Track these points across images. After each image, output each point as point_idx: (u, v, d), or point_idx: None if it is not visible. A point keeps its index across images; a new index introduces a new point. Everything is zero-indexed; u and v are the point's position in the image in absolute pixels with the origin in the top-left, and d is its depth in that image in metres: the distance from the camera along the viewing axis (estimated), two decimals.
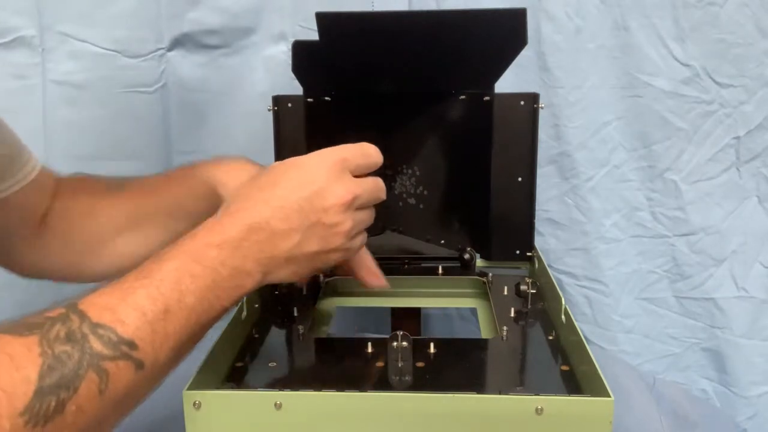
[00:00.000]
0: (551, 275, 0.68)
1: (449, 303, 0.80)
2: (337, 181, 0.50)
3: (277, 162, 0.52)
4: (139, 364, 0.40)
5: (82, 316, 0.39)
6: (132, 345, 0.40)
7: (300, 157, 0.51)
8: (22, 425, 0.34)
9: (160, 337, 0.41)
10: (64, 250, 0.66)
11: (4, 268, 0.66)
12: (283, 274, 0.50)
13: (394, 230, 0.86)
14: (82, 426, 0.37)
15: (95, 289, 0.42)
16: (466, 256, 0.79)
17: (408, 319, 0.81)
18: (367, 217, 0.53)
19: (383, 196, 0.54)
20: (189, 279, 0.44)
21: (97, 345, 0.38)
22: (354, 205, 0.50)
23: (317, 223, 0.49)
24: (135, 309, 0.41)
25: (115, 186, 0.68)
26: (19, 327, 0.38)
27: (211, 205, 0.64)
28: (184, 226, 0.65)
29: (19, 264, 0.66)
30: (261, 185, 0.50)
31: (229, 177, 0.63)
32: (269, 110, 0.78)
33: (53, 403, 0.35)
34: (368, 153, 0.53)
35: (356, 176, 0.51)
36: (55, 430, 0.36)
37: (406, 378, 0.52)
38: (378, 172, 0.85)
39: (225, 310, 0.47)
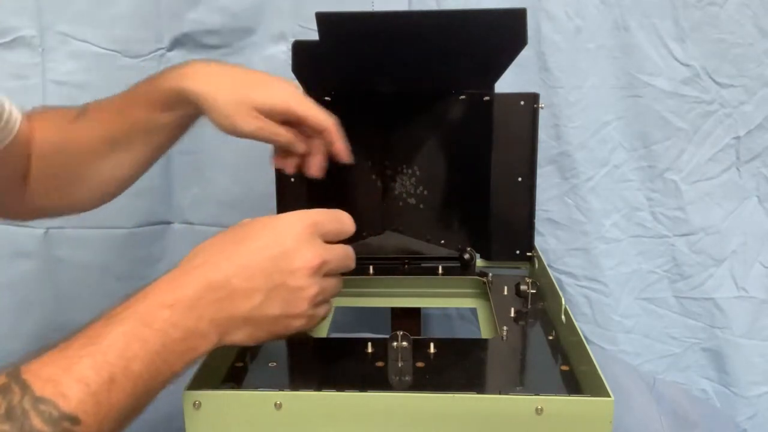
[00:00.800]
0: (551, 275, 0.68)
1: (449, 303, 0.80)
2: (306, 244, 0.48)
3: (248, 219, 0.51)
4: None
5: (24, 387, 0.38)
6: (74, 420, 0.38)
7: (272, 216, 0.50)
8: None
9: (105, 409, 0.40)
10: (47, 188, 0.65)
11: (5, 218, 0.67)
12: (240, 336, 0.47)
13: (394, 230, 0.86)
14: None
15: (41, 355, 0.40)
16: (466, 256, 0.79)
17: (408, 319, 0.81)
18: (334, 285, 0.51)
19: (352, 264, 0.52)
20: (137, 344, 0.42)
21: (37, 422, 0.37)
22: (321, 271, 0.49)
23: (281, 285, 0.47)
24: (78, 381, 0.39)
25: (80, 114, 0.66)
26: None
27: (186, 112, 0.63)
28: (164, 137, 0.66)
29: (15, 211, 0.66)
30: (226, 241, 0.48)
31: (202, 84, 0.60)
32: None
33: None
34: (341, 220, 0.52)
35: (327, 242, 0.50)
36: None
37: (406, 378, 0.52)
38: (378, 172, 0.85)
39: (176, 376, 0.44)
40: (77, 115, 0.65)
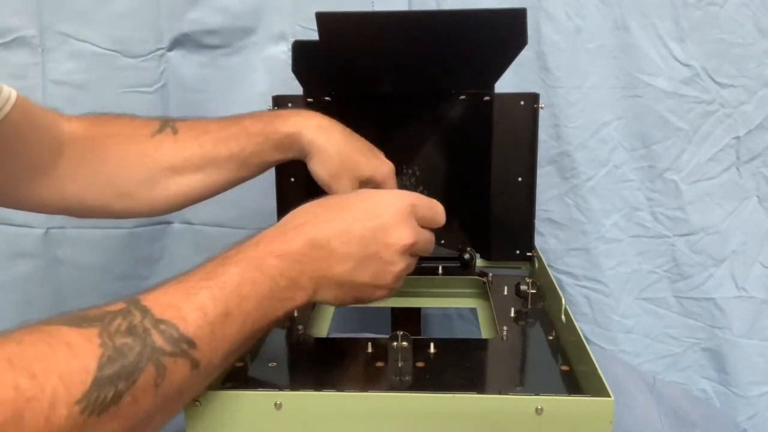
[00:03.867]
0: (551, 275, 0.68)
1: (449, 303, 0.80)
2: (404, 222, 0.51)
3: (352, 191, 0.54)
4: (195, 363, 0.41)
5: (145, 311, 0.40)
6: (192, 344, 0.40)
7: (375, 190, 0.54)
8: (78, 413, 0.34)
9: (218, 339, 0.42)
10: (99, 185, 0.66)
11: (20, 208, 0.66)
12: (329, 296, 0.50)
13: None
14: (134, 419, 0.38)
15: (157, 287, 0.43)
16: (466, 256, 0.79)
17: (408, 319, 0.81)
18: (413, 264, 0.53)
19: (431, 251, 0.55)
20: (250, 285, 0.44)
21: (158, 340, 0.39)
22: (411, 250, 0.51)
23: (374, 255, 0.50)
24: (197, 309, 0.41)
25: (165, 129, 0.67)
26: (78, 319, 0.38)
27: (289, 155, 0.67)
28: (251, 172, 0.69)
29: (38, 200, 0.65)
30: (330, 205, 0.51)
31: (322, 137, 0.65)
32: (269, 110, 0.78)
33: (111, 394, 0.36)
34: (436, 209, 0.54)
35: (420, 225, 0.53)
36: (109, 419, 0.36)
37: (406, 378, 0.52)
38: None
39: (276, 321, 0.47)
40: (160, 129, 0.67)
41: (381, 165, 0.68)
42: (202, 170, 0.67)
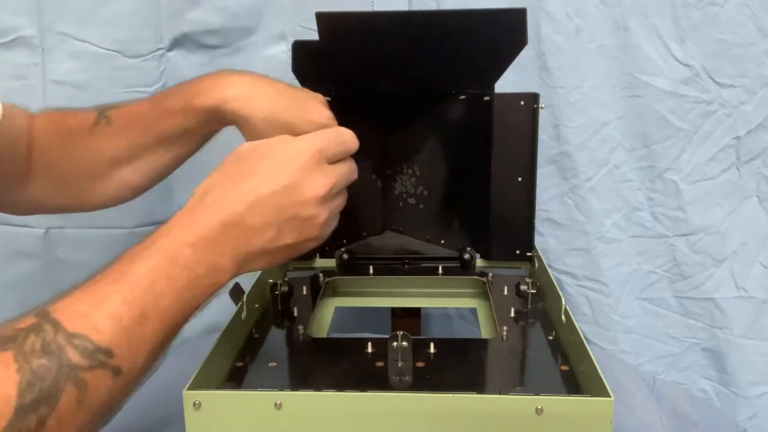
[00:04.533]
0: (551, 275, 0.68)
1: (449, 303, 0.80)
2: (314, 173, 0.49)
3: (247, 146, 0.50)
4: (117, 371, 0.39)
5: (56, 325, 0.38)
6: (109, 353, 0.39)
7: (271, 142, 0.50)
8: None
9: (137, 342, 0.41)
10: (56, 186, 0.65)
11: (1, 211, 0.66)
12: (258, 265, 0.49)
13: (394, 230, 0.86)
14: None
15: (66, 294, 0.41)
16: (466, 256, 0.79)
17: (408, 319, 0.81)
18: (341, 201, 0.53)
19: (356, 176, 0.54)
20: (165, 281, 0.43)
21: (74, 356, 0.37)
22: (330, 195, 0.50)
23: (293, 217, 0.48)
24: (110, 316, 0.40)
25: (99, 119, 0.66)
26: None
27: (219, 127, 0.65)
28: (186, 149, 0.67)
29: (11, 205, 0.66)
30: (234, 176, 0.49)
31: (245, 107, 0.61)
32: None
33: (34, 422, 0.35)
34: (344, 140, 0.53)
35: (331, 163, 0.51)
36: None
37: (406, 378, 0.52)
38: (378, 172, 0.85)
39: (199, 308, 0.46)
40: (96, 121, 0.66)
41: (314, 120, 0.62)
42: (140, 157, 0.65)
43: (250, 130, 0.61)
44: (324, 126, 0.61)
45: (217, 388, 0.52)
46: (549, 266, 0.72)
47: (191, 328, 1.01)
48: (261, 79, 0.64)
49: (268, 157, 0.49)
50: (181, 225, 0.46)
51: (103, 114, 0.66)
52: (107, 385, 0.39)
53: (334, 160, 0.51)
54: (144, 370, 0.42)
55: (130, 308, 0.41)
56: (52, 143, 0.65)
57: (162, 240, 0.45)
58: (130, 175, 0.66)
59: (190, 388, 0.48)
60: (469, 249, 0.79)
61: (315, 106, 0.63)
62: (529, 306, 0.68)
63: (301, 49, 0.69)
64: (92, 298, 0.41)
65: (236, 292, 0.62)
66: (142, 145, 0.65)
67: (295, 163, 0.49)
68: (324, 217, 0.50)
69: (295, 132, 0.59)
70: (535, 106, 0.75)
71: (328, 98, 0.77)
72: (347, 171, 0.53)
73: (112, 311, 0.40)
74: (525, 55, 0.74)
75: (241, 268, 0.48)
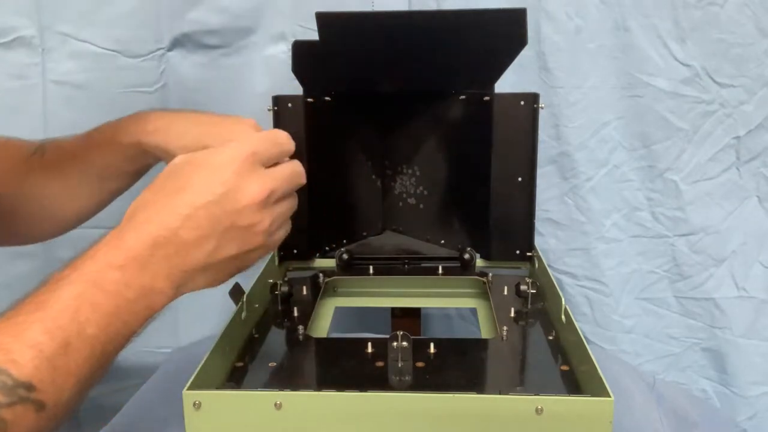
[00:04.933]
0: (551, 275, 0.68)
1: (449, 303, 0.80)
2: (249, 178, 0.46)
3: (180, 158, 0.48)
4: (40, 406, 0.37)
5: None
6: (30, 387, 0.37)
7: (205, 153, 0.47)
8: None
9: (62, 374, 0.38)
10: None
11: None
12: (200, 284, 0.47)
13: (394, 230, 0.86)
14: None
15: None
16: (466, 256, 0.79)
17: (408, 319, 0.81)
18: (287, 207, 0.50)
19: (303, 180, 0.51)
20: (89, 308, 0.40)
21: None
22: (270, 200, 0.47)
23: (231, 226, 0.45)
24: (31, 347, 0.37)
25: (36, 151, 0.66)
26: None
27: (142, 162, 0.65)
28: (117, 184, 0.67)
29: None
30: (167, 190, 0.46)
31: (161, 139, 0.61)
32: (269, 110, 0.78)
33: None
34: (279, 141, 0.50)
35: (269, 167, 0.49)
36: None
37: (406, 378, 0.52)
38: (378, 172, 0.85)
39: (135, 334, 0.43)
40: (33, 153, 0.66)
41: (228, 133, 0.60)
42: (69, 190, 0.66)
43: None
44: (242, 129, 0.60)
45: (217, 388, 0.52)
46: (549, 266, 0.72)
47: (192, 330, 1.02)
48: (180, 113, 0.64)
49: (202, 167, 0.47)
50: (108, 246, 0.43)
51: (40, 147, 0.67)
52: (30, 420, 0.37)
53: (270, 164, 0.49)
54: (71, 403, 0.40)
55: (52, 338, 0.38)
56: None
57: (87, 263, 0.42)
58: (64, 209, 0.66)
59: (190, 388, 0.48)
60: (469, 249, 0.79)
61: (241, 128, 0.61)
62: (529, 306, 0.68)
63: (301, 49, 0.69)
64: (11, 329, 0.38)
65: (236, 292, 0.62)
66: (71, 177, 0.65)
67: (228, 169, 0.46)
68: (266, 224, 0.47)
69: (213, 139, 0.58)
70: (535, 106, 0.75)
71: (327, 98, 0.77)
72: (288, 174, 0.49)
73: (33, 342, 0.38)
74: (525, 55, 0.74)
75: (179, 288, 0.45)
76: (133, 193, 0.70)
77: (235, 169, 0.46)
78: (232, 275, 0.49)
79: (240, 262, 0.48)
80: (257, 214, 0.46)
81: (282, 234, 0.50)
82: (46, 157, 0.66)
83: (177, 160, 0.48)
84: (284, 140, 0.51)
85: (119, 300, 0.42)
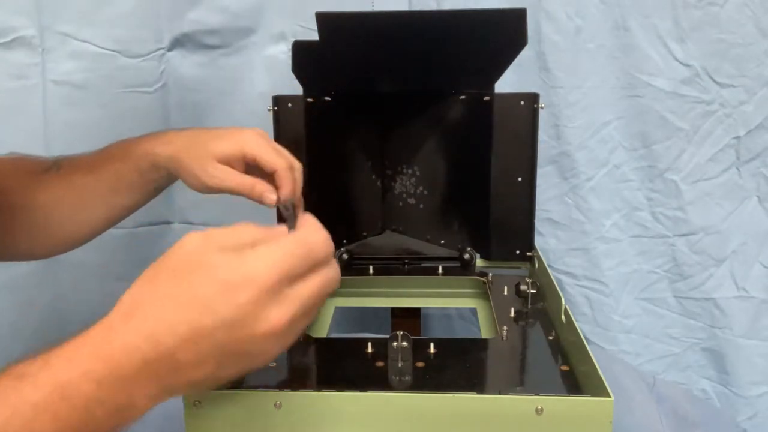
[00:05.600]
0: (551, 275, 0.68)
1: (449, 303, 0.80)
2: (270, 303, 0.38)
3: (192, 240, 0.39)
4: None
5: None
6: None
7: (219, 255, 0.38)
8: None
9: None
10: (5, 234, 0.65)
11: None
12: (180, 394, 0.41)
13: (394, 230, 0.86)
14: None
15: None
16: (466, 256, 0.79)
17: (408, 319, 0.81)
18: (308, 321, 0.41)
19: (336, 285, 0.42)
20: (49, 420, 0.34)
21: None
22: (293, 327, 0.39)
23: (239, 352, 0.38)
24: None
25: (51, 165, 0.67)
26: None
27: (154, 177, 0.65)
28: (128, 200, 0.67)
29: None
30: (166, 294, 0.38)
31: (170, 149, 0.63)
32: (269, 110, 0.78)
33: None
34: (312, 249, 0.40)
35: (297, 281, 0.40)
36: None
37: (406, 378, 0.52)
38: (378, 172, 0.85)
39: None
40: (48, 168, 0.67)
41: (235, 137, 0.61)
42: (82, 203, 0.66)
43: (184, 170, 0.62)
44: (250, 135, 0.61)
45: (218, 388, 0.52)
46: (549, 266, 0.72)
47: None
48: (194, 128, 0.66)
49: (211, 277, 0.38)
50: (90, 347, 0.36)
51: (56, 163, 0.67)
52: None
53: (304, 274, 0.40)
54: None
55: None
56: (11, 188, 0.65)
57: (60, 365, 0.36)
58: (75, 223, 0.67)
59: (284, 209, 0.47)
60: (469, 249, 0.79)
61: (248, 134, 0.62)
62: (529, 306, 0.68)
63: (301, 49, 0.69)
64: None
65: None
66: (84, 190, 0.66)
67: (248, 292, 0.37)
68: (280, 347, 0.40)
69: (217, 154, 0.60)
70: (535, 106, 0.75)
71: (327, 98, 0.77)
72: (317, 291, 0.40)
73: None
74: (525, 55, 0.74)
75: (158, 401, 0.38)
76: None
77: (255, 294, 0.37)
78: (218, 386, 0.42)
79: (233, 376, 0.41)
80: (270, 344, 0.39)
81: (292, 341, 0.41)
82: (61, 171, 0.67)
83: (187, 240, 0.40)
84: (319, 246, 0.41)
85: (86, 417, 0.35)
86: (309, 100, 0.75)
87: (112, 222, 0.69)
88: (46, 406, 0.34)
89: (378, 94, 0.80)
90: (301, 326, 0.41)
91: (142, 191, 0.67)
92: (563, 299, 0.60)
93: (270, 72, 0.98)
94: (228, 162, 0.61)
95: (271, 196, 0.61)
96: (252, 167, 0.62)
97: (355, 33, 0.66)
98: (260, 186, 0.61)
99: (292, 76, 0.73)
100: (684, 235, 0.99)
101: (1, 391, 0.34)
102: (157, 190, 0.68)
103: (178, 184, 1.03)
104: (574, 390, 0.51)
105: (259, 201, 0.62)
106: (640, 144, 0.98)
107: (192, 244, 0.39)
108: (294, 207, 0.65)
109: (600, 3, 0.93)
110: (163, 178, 0.66)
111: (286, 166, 0.61)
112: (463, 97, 0.78)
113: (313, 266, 0.40)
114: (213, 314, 0.37)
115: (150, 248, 1.02)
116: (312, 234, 0.41)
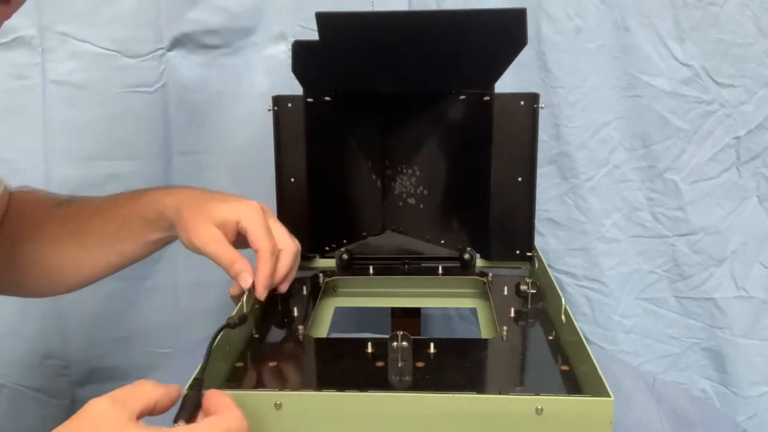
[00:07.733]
0: (551, 275, 0.68)
1: (449, 303, 0.80)
2: None
3: (96, 405, 0.39)
4: None
5: None
6: None
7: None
8: None
9: None
10: (13, 271, 0.66)
11: None
12: None
13: (394, 230, 0.86)
14: None
15: None
16: (466, 256, 0.79)
17: (408, 319, 0.81)
18: None
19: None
20: None
21: None
22: None
23: None
24: None
25: (61, 204, 0.68)
26: None
27: (159, 228, 0.66)
28: (129, 248, 0.68)
29: None
30: None
31: (176, 200, 0.63)
32: (269, 110, 0.78)
33: None
34: (142, 391, 0.41)
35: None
36: None
37: (406, 378, 0.52)
38: (378, 172, 0.85)
39: None
40: (58, 205, 0.68)
41: (236, 205, 0.62)
42: (84, 246, 0.67)
43: (180, 223, 0.62)
44: (250, 208, 0.61)
45: (217, 388, 0.52)
46: (549, 266, 0.72)
47: (192, 330, 1.02)
48: (203, 189, 0.67)
49: None
50: None
51: (66, 201, 0.68)
52: None
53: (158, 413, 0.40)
54: None
55: None
56: (20, 224, 0.66)
57: None
58: (74, 264, 0.67)
59: (190, 388, 0.48)
60: (469, 249, 0.79)
61: (244, 205, 0.62)
62: (529, 306, 0.68)
63: (301, 49, 0.69)
64: None
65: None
66: (88, 231, 0.66)
67: None
68: None
69: (214, 216, 0.61)
70: (535, 106, 0.75)
71: (327, 98, 0.77)
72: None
73: None
74: (525, 55, 0.74)
75: None
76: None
77: None
78: None
79: None
80: None
81: None
82: (70, 210, 0.67)
83: (93, 404, 0.39)
84: (147, 390, 0.41)
85: None
86: (309, 100, 0.75)
87: (112, 269, 0.70)
88: None
89: (378, 94, 0.80)
90: None
91: (144, 241, 0.67)
92: (563, 299, 0.60)
93: (270, 72, 0.98)
94: (223, 227, 0.61)
95: (248, 279, 0.60)
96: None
97: (355, 33, 0.66)
98: (240, 265, 0.60)
99: (292, 76, 0.73)
100: (684, 235, 0.99)
101: None
102: (157, 243, 0.68)
103: (179, 184, 1.03)
104: (574, 390, 0.51)
105: (235, 279, 0.61)
106: (640, 144, 0.98)
107: (94, 402, 0.39)
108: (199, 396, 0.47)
109: (600, 3, 0.93)
110: (166, 231, 0.66)
111: (269, 249, 0.60)
112: (463, 97, 0.78)
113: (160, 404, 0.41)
114: None
115: None
116: (232, 420, 0.41)
